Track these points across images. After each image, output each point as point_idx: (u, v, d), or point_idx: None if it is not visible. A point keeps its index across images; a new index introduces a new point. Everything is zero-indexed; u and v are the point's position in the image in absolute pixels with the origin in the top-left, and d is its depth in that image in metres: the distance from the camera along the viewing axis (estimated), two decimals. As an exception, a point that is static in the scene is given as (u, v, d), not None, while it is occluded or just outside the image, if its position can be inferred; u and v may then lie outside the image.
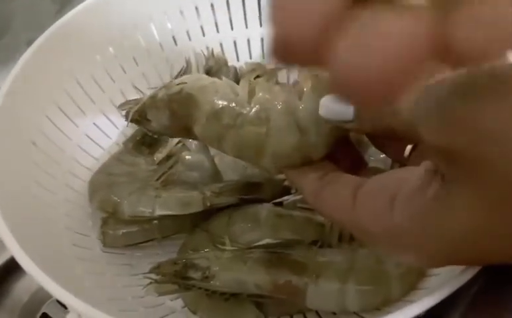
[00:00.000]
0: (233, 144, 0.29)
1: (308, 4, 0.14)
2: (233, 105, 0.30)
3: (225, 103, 0.30)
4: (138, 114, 0.35)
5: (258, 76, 0.32)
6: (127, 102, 0.44)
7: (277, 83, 0.31)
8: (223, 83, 0.31)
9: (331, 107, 0.26)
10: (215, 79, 0.31)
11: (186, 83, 0.32)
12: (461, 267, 0.31)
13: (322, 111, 0.27)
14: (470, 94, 0.19)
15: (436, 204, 0.21)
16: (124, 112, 0.40)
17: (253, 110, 0.29)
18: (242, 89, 0.30)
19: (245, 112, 0.29)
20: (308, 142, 0.28)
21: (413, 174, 0.23)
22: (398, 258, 0.33)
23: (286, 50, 0.14)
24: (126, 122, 0.43)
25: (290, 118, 0.29)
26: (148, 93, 0.35)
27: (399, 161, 0.29)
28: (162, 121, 0.33)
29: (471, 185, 0.20)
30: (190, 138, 0.33)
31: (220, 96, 0.30)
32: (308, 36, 0.14)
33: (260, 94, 0.30)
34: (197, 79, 0.32)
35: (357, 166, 0.30)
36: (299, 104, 0.29)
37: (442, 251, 0.22)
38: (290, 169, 0.29)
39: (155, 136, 0.43)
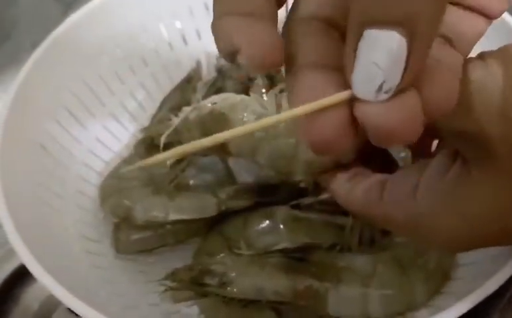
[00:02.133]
0: (267, 155, 0.31)
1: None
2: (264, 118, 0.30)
3: (256, 117, 0.31)
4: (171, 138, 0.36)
5: (282, 90, 0.33)
6: (151, 126, 0.44)
7: None
8: (252, 98, 0.32)
9: None
10: (244, 96, 0.33)
11: (215, 103, 0.33)
12: (489, 271, 0.30)
13: None
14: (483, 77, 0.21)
15: (458, 186, 0.22)
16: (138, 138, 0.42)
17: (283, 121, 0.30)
18: (270, 103, 0.32)
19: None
20: None
21: (434, 161, 0.24)
22: (424, 245, 0.34)
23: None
24: (136, 126, 0.42)
25: None
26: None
27: (425, 158, 0.29)
28: None
29: (495, 164, 0.21)
30: (224, 155, 0.34)
31: (250, 111, 0.31)
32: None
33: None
34: (226, 98, 0.33)
35: (388, 167, 0.30)
36: None
37: (465, 233, 0.23)
38: (322, 175, 0.30)
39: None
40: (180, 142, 0.35)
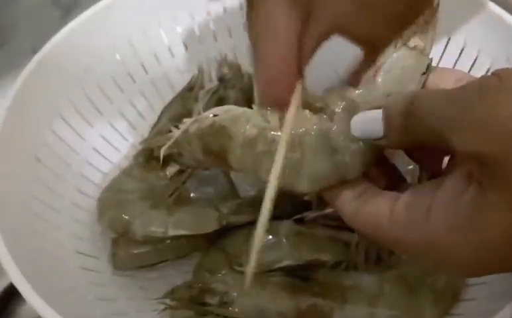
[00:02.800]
0: (269, 170, 0.28)
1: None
2: (266, 132, 0.29)
3: (258, 130, 0.30)
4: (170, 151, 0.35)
5: None
6: (150, 138, 0.43)
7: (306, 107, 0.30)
8: (254, 111, 0.31)
9: (362, 126, 0.26)
10: (246, 109, 0.31)
11: (217, 115, 0.31)
12: (500, 292, 0.28)
13: (354, 130, 0.27)
14: (498, 98, 0.20)
15: (474, 210, 0.22)
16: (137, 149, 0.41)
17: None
18: (272, 116, 0.30)
19: (278, 138, 0.29)
20: (343, 162, 0.28)
21: (448, 183, 0.23)
22: (436, 270, 0.32)
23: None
24: (135, 136, 0.41)
25: (323, 140, 0.28)
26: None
27: (437, 174, 0.28)
28: (195, 155, 0.33)
29: (508, 188, 0.20)
30: (225, 169, 0.33)
31: (252, 125, 0.30)
32: None
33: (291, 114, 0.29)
34: (228, 110, 0.31)
35: (395, 183, 0.29)
36: (331, 126, 0.28)
37: (481, 258, 0.22)
38: (327, 191, 0.29)
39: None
40: (179, 155, 0.34)
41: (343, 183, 0.28)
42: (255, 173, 0.30)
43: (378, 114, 0.25)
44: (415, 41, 0.29)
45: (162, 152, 0.36)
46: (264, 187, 0.38)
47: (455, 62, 0.41)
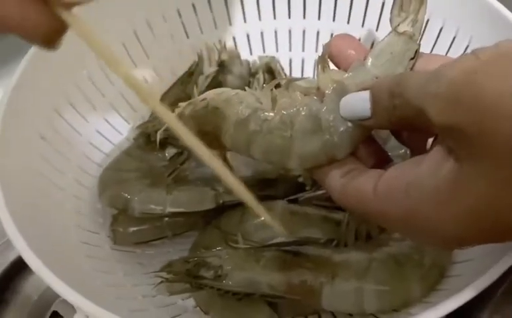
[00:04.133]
0: (261, 149, 0.31)
1: None
2: (259, 112, 0.31)
3: (251, 111, 0.31)
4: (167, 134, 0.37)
5: (277, 85, 0.33)
6: (147, 122, 0.44)
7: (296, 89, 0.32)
8: (247, 93, 0.32)
9: (350, 106, 0.28)
10: (239, 91, 0.32)
11: (210, 97, 0.33)
12: (485, 268, 0.29)
13: (342, 111, 0.28)
14: (473, 73, 0.21)
15: (451, 182, 0.22)
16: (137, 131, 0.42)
17: (278, 116, 0.30)
18: (265, 97, 0.31)
19: (270, 118, 0.30)
20: (332, 142, 0.29)
21: (427, 158, 0.24)
22: (419, 242, 0.33)
23: None
24: (136, 118, 0.42)
25: (314, 120, 0.29)
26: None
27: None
28: None
29: (483, 159, 0.21)
30: (219, 150, 0.35)
31: (245, 105, 0.31)
32: None
33: (283, 100, 0.31)
34: (221, 93, 0.33)
35: (382, 163, 0.30)
36: (321, 106, 0.29)
37: (459, 229, 0.23)
38: (317, 169, 0.30)
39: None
40: (175, 138, 0.35)
41: (332, 162, 0.29)
42: (247, 151, 0.31)
43: (365, 94, 0.26)
44: (404, 27, 0.30)
45: (158, 136, 0.37)
46: (259, 168, 0.40)
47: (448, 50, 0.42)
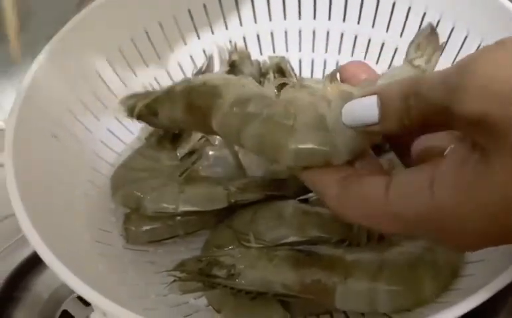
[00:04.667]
0: (255, 135, 0.28)
1: None
2: (263, 97, 0.29)
3: (253, 94, 0.29)
4: (147, 108, 0.34)
5: (283, 84, 0.31)
6: (132, 96, 0.40)
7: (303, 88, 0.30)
8: (250, 81, 0.31)
9: (355, 113, 0.26)
10: (241, 77, 0.32)
11: (208, 78, 0.32)
12: (498, 269, 0.29)
13: (346, 117, 0.27)
14: (499, 59, 0.21)
15: (477, 175, 0.22)
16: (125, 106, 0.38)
17: (281, 105, 0.29)
18: (269, 87, 0.30)
19: (273, 104, 0.29)
20: (333, 142, 0.27)
21: (451, 156, 0.23)
22: (437, 242, 0.32)
23: None
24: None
25: (319, 118, 0.28)
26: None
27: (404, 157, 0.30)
28: (174, 114, 0.33)
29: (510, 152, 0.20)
30: (201, 131, 0.33)
31: (247, 89, 0.30)
32: None
33: (289, 95, 0.30)
34: (222, 75, 0.32)
35: (376, 173, 0.28)
36: (327, 109, 0.28)
37: (483, 226, 0.22)
38: (308, 172, 0.28)
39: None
40: (154, 113, 0.35)
41: (327, 166, 0.28)
42: (237, 136, 0.29)
43: (373, 99, 0.25)
44: (418, 61, 0.31)
45: (137, 108, 0.35)
46: (270, 168, 0.40)
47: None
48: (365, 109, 0.26)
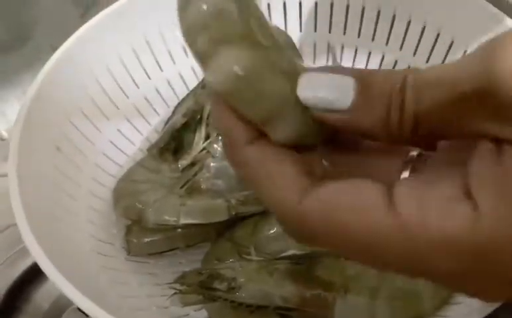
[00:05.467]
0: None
1: None
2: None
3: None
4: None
5: None
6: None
7: None
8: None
9: (319, 86, 0.19)
10: None
11: None
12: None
13: (302, 88, 0.19)
14: None
15: None
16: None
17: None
18: None
19: None
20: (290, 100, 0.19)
21: (474, 155, 0.18)
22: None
23: None
24: (150, 130, 0.42)
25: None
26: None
27: None
28: None
29: None
30: None
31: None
32: None
33: None
34: None
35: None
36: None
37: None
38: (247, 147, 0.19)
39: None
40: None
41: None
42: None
43: (348, 79, 0.19)
44: None
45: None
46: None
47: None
48: (333, 86, 0.19)
